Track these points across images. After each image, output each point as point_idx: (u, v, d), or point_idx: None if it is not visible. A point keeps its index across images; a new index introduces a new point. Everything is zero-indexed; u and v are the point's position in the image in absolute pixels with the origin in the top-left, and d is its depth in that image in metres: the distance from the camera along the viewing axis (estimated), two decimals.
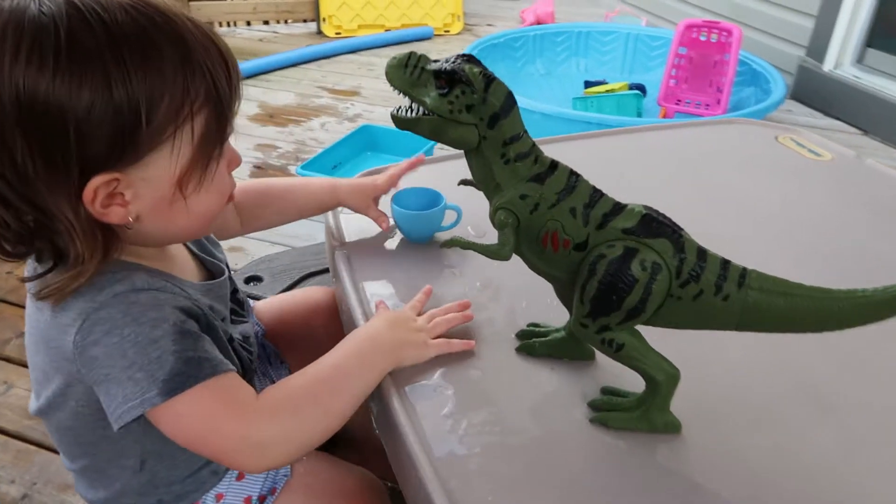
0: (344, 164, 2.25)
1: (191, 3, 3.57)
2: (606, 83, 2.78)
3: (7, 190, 0.54)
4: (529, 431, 0.60)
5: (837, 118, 2.75)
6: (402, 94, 0.56)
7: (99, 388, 0.58)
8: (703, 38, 2.60)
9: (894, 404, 0.65)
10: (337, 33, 3.67)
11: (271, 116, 2.69)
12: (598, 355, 0.66)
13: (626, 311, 0.54)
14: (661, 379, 0.57)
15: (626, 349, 0.56)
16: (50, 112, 0.51)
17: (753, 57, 2.75)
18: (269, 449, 0.58)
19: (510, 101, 0.56)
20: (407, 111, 0.57)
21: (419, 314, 0.72)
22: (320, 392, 0.61)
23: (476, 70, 0.54)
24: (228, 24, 3.77)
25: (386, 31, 3.67)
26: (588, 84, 2.79)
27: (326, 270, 1.20)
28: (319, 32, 3.72)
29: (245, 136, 2.51)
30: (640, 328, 0.57)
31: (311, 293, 1.00)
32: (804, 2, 2.83)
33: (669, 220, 0.56)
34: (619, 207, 0.55)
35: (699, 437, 0.60)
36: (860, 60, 2.74)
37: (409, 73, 0.56)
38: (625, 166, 1.01)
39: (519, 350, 0.68)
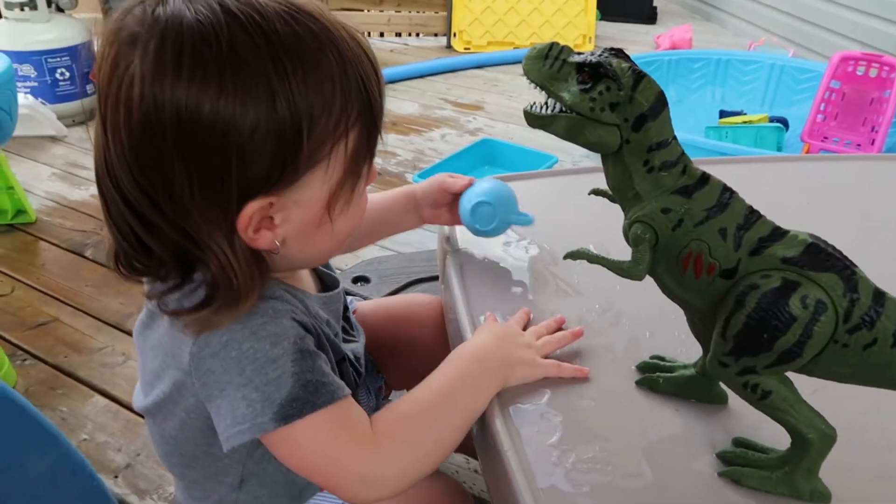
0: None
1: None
2: (744, 114, 2.62)
3: (160, 219, 0.50)
4: (645, 477, 0.53)
5: None
6: (538, 89, 0.51)
7: (210, 404, 0.55)
8: (859, 73, 2.39)
9: None
10: (466, 48, 3.69)
11: (394, 124, 2.73)
12: (732, 401, 0.58)
13: (777, 353, 0.46)
14: (814, 437, 0.48)
15: (772, 397, 0.48)
16: (213, 133, 0.47)
17: None
18: (386, 483, 0.55)
19: (661, 101, 0.49)
20: (542, 107, 0.52)
21: (524, 328, 0.67)
22: (432, 422, 0.58)
23: (625, 65, 0.49)
24: (365, 35, 3.90)
25: (515, 48, 3.66)
26: (724, 114, 2.64)
27: (435, 278, 1.17)
28: (449, 46, 3.76)
29: None
30: (792, 376, 0.49)
31: (417, 299, 0.97)
32: None
33: (840, 252, 0.47)
34: (779, 233, 0.48)
35: None
36: None
37: (548, 66, 0.50)
38: (779, 197, 0.92)
39: (639, 384, 0.60)
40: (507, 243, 0.84)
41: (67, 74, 2.51)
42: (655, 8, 4.38)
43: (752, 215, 0.49)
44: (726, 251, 0.48)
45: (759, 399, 0.49)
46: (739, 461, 0.52)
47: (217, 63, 0.47)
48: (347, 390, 0.56)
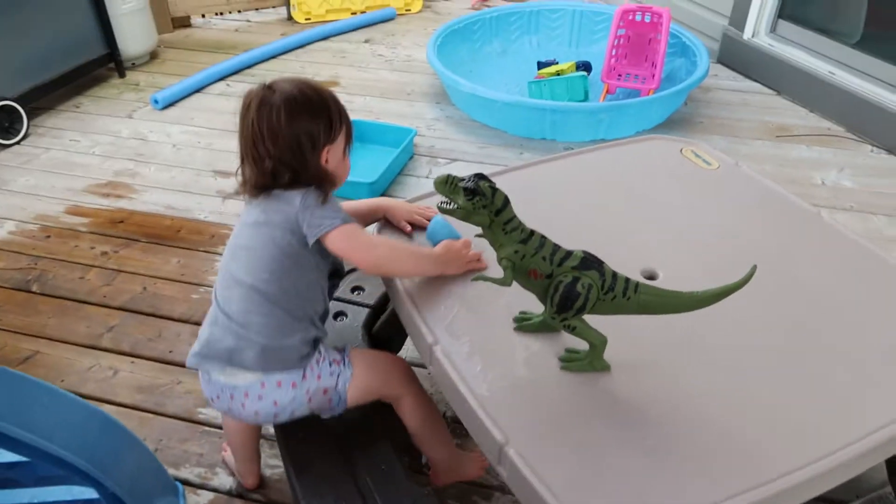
0: None
1: None
2: (557, 62, 3.18)
3: (291, 170, 1.12)
4: (530, 374, 1.06)
5: (756, 80, 3.21)
6: (444, 198, 0.99)
7: (309, 227, 1.12)
8: (637, 20, 3.00)
9: (727, 344, 1.12)
10: (307, 19, 3.95)
11: None
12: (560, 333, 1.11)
13: (575, 309, 0.99)
14: (598, 342, 1.02)
15: (577, 329, 1.01)
16: (312, 131, 1.13)
17: (683, 31, 3.16)
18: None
19: (506, 201, 0.98)
20: (448, 205, 0.99)
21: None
22: (401, 256, 1.21)
23: (486, 185, 0.97)
24: (203, 16, 4.02)
25: (352, 14, 3.96)
26: (541, 65, 3.18)
27: None
28: (290, 18, 3.99)
29: None
30: (584, 317, 1.02)
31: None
32: None
33: (596, 257, 1.00)
34: (568, 254, 0.99)
35: (619, 373, 1.06)
36: (773, 30, 3.18)
37: (448, 188, 0.98)
38: (566, 185, 1.45)
39: (517, 327, 1.13)
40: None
41: None
42: None
43: (555, 248, 0.99)
44: (546, 267, 0.99)
45: (571, 330, 1.01)
46: (568, 359, 1.06)
47: (307, 105, 1.12)
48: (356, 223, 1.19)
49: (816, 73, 2.92)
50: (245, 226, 1.19)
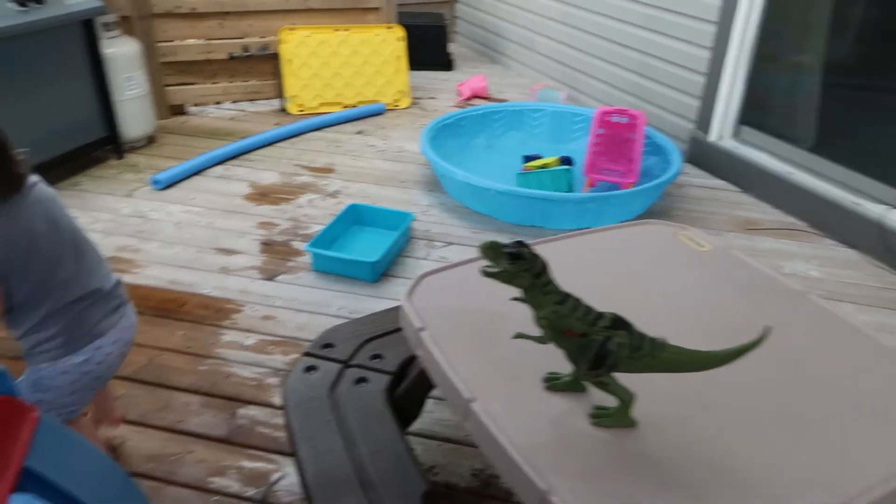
0: (339, 237, 2.75)
1: (167, 87, 3.99)
2: (541, 157, 3.40)
3: None
4: (563, 429, 1.13)
5: (723, 179, 3.46)
6: (488, 261, 1.10)
7: None
8: (615, 121, 3.26)
9: (739, 404, 1.22)
10: (300, 111, 4.15)
11: (264, 195, 3.15)
12: (590, 388, 1.20)
13: (608, 366, 1.08)
14: (627, 398, 1.11)
15: (609, 386, 1.10)
16: None
17: (655, 133, 3.44)
18: None
19: (545, 265, 1.10)
20: (492, 268, 1.10)
21: None
22: None
23: (527, 251, 1.08)
24: (197, 105, 4.19)
25: (344, 108, 4.18)
26: (527, 158, 3.40)
27: (383, 335, 1.70)
28: (283, 110, 4.19)
29: (245, 215, 2.96)
30: (614, 375, 1.11)
31: None
32: (692, 86, 3.55)
33: (625, 319, 1.11)
34: (600, 315, 1.10)
35: (645, 428, 1.14)
36: (736, 135, 3.47)
37: (493, 253, 1.09)
38: (574, 262, 1.58)
39: (547, 387, 1.21)
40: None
41: None
42: (451, 56, 5.14)
43: (589, 309, 1.10)
44: (581, 326, 1.09)
45: (603, 387, 1.11)
46: (598, 415, 1.14)
47: None
48: None
49: (777, 173, 3.18)
50: None
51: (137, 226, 2.85)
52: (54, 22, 2.95)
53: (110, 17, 3.37)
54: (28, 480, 1.04)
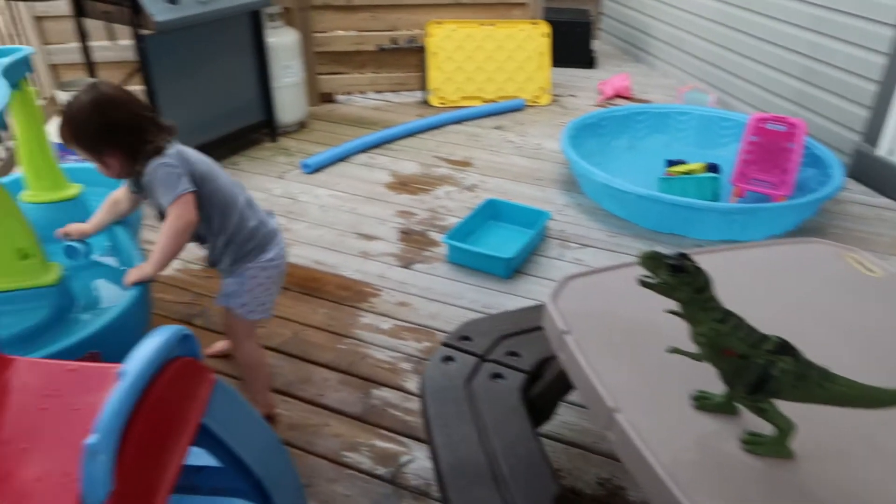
0: (475, 231, 2.78)
1: (319, 76, 4.19)
2: (686, 162, 3.27)
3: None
4: (712, 451, 1.09)
5: (891, 197, 3.17)
6: (646, 270, 1.07)
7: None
8: (770, 128, 3.07)
9: None
10: (442, 103, 4.23)
11: (404, 185, 3.24)
12: (741, 412, 1.15)
13: (768, 392, 1.03)
14: (787, 428, 1.05)
15: (767, 412, 1.05)
16: None
17: (815, 143, 3.20)
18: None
19: (708, 280, 1.06)
20: (651, 279, 1.08)
21: None
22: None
23: (690, 264, 1.05)
24: (345, 94, 4.38)
25: (484, 102, 4.22)
26: (670, 162, 3.27)
27: (518, 333, 1.71)
28: (425, 102, 4.29)
29: (385, 203, 3.06)
30: (775, 401, 1.06)
31: None
32: (861, 94, 3.28)
33: (791, 344, 1.05)
34: (764, 337, 1.04)
35: (804, 461, 1.08)
36: None
37: (653, 263, 1.06)
38: (729, 278, 1.50)
39: (697, 406, 1.17)
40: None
41: None
42: (594, 53, 5.04)
43: (752, 330, 1.05)
44: (742, 346, 1.04)
45: (761, 412, 1.05)
46: (752, 442, 1.09)
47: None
48: None
49: None
50: None
51: (287, 206, 3.02)
52: (229, 13, 3.18)
53: (274, 9, 3.58)
54: (202, 436, 1.14)
